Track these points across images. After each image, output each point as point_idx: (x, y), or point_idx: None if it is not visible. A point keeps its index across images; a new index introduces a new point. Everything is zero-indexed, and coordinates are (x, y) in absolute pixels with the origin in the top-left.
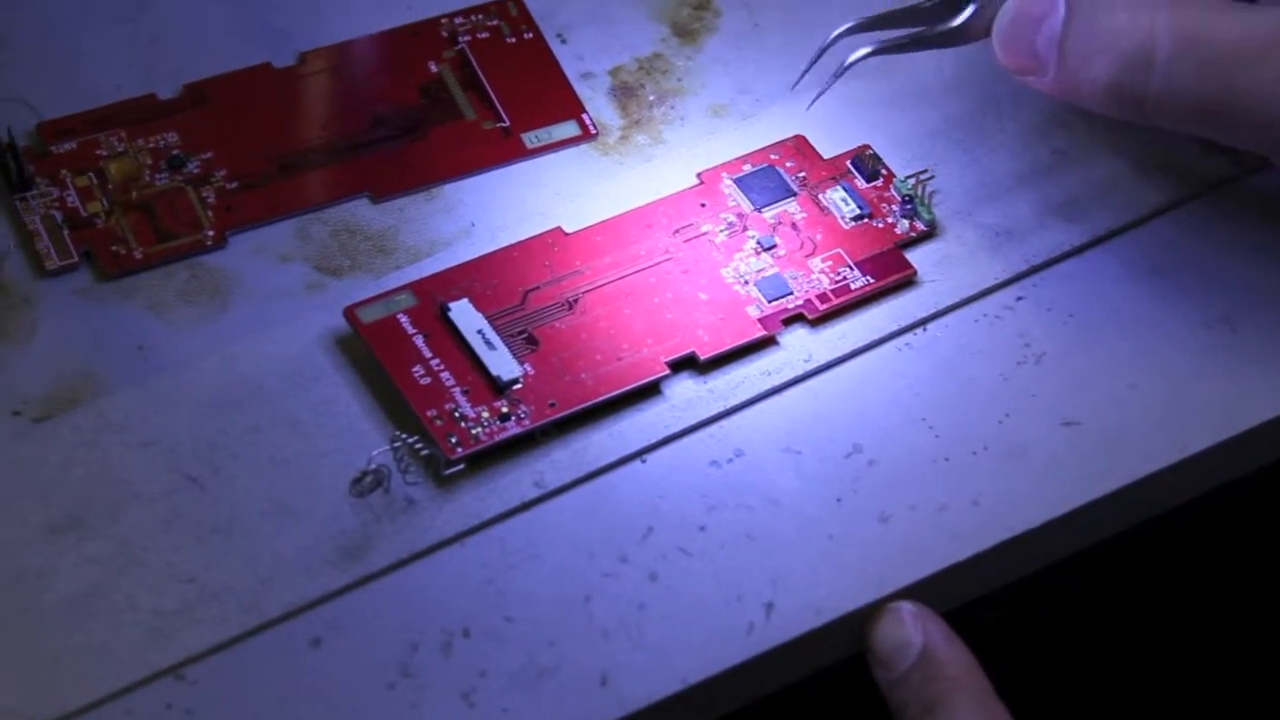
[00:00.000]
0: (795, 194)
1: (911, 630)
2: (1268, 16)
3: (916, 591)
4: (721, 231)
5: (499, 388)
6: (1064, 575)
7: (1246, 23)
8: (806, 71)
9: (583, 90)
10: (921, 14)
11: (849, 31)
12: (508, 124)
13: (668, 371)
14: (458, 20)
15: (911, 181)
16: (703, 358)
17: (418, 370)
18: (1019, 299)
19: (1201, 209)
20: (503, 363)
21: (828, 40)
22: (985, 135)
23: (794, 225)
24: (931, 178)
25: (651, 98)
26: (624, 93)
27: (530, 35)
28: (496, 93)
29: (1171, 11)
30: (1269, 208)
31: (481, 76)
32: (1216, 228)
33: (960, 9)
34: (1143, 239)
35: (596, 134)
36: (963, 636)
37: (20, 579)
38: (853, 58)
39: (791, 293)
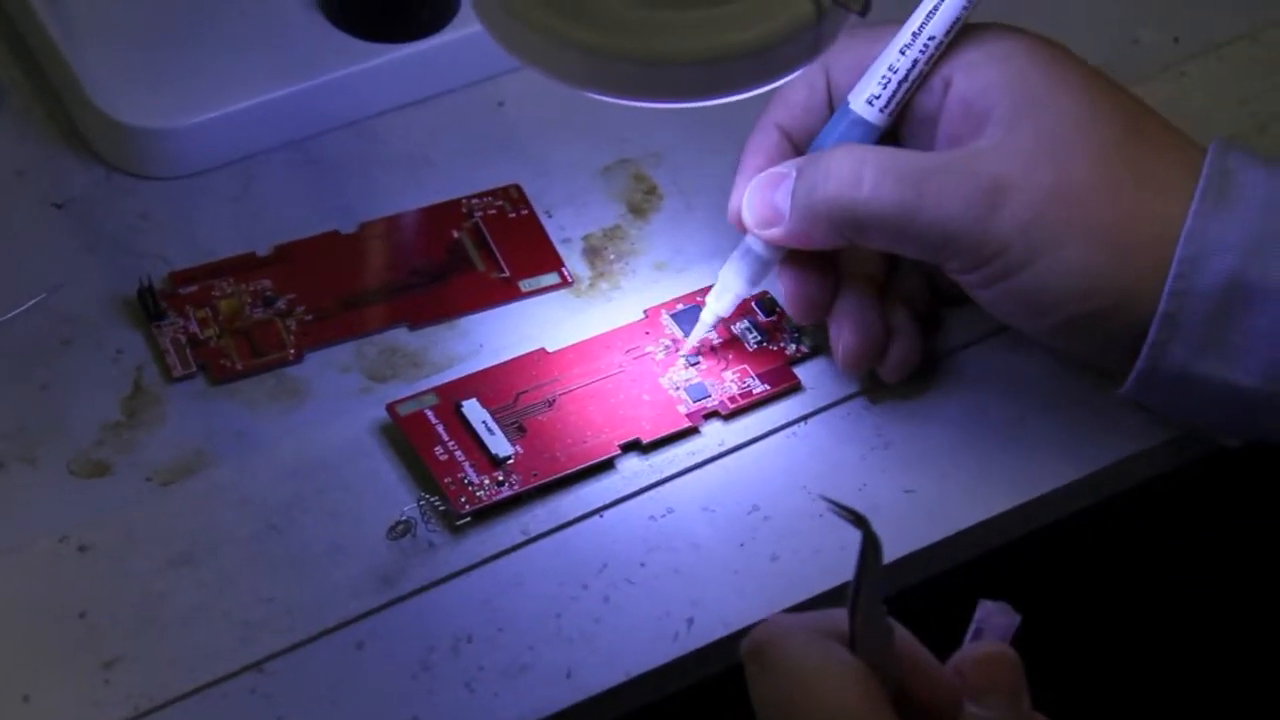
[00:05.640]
0: (714, 326)
1: None
2: (947, 152)
3: (797, 610)
4: (660, 352)
5: (496, 462)
6: (905, 601)
7: (931, 155)
8: None
9: (563, 250)
10: None
11: None
12: (508, 274)
13: (619, 451)
14: (473, 200)
15: None
16: (645, 442)
17: (438, 449)
18: (874, 403)
19: (999, 343)
20: (500, 444)
21: None
22: None
23: (713, 348)
24: None
25: (612, 256)
26: (592, 253)
27: (525, 212)
28: (500, 252)
29: (875, 149)
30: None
31: (490, 240)
32: (1015, 354)
33: None
34: (960, 363)
35: (572, 282)
36: None
37: (147, 597)
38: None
39: (710, 396)
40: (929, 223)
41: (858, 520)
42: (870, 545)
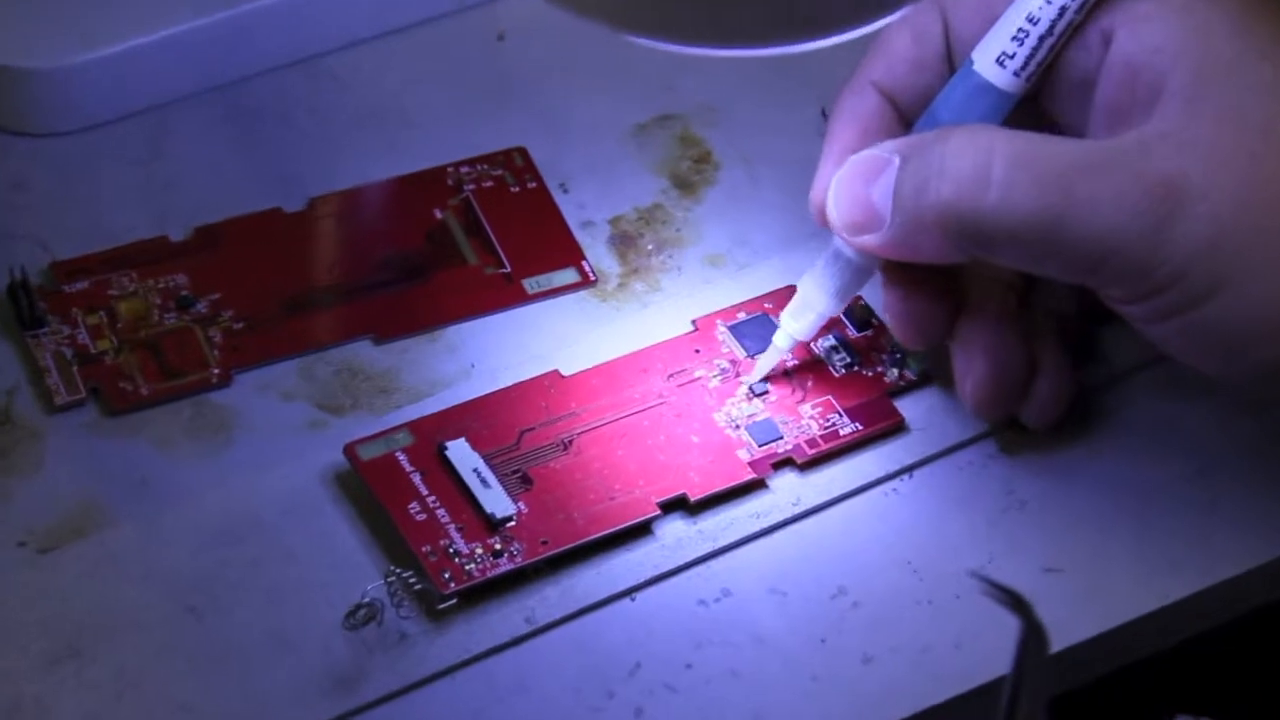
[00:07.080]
0: (789, 352)
1: None
2: (1102, 141)
3: None
4: (714, 377)
5: (493, 525)
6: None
7: (1080, 144)
8: None
9: (583, 238)
10: None
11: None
12: (509, 270)
13: (658, 512)
14: (463, 169)
15: None
16: (693, 499)
17: (414, 507)
18: (1004, 450)
19: (1169, 373)
20: (497, 501)
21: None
22: None
23: (785, 372)
24: None
25: (650, 247)
26: (623, 241)
27: (534, 185)
28: (499, 239)
29: (1006, 134)
30: None
31: (485, 223)
32: (1191, 389)
33: None
34: (1118, 399)
35: (595, 281)
36: None
37: (19, 707)
38: None
39: (781, 437)
40: (1080, 239)
41: (1017, 604)
42: (1034, 639)
